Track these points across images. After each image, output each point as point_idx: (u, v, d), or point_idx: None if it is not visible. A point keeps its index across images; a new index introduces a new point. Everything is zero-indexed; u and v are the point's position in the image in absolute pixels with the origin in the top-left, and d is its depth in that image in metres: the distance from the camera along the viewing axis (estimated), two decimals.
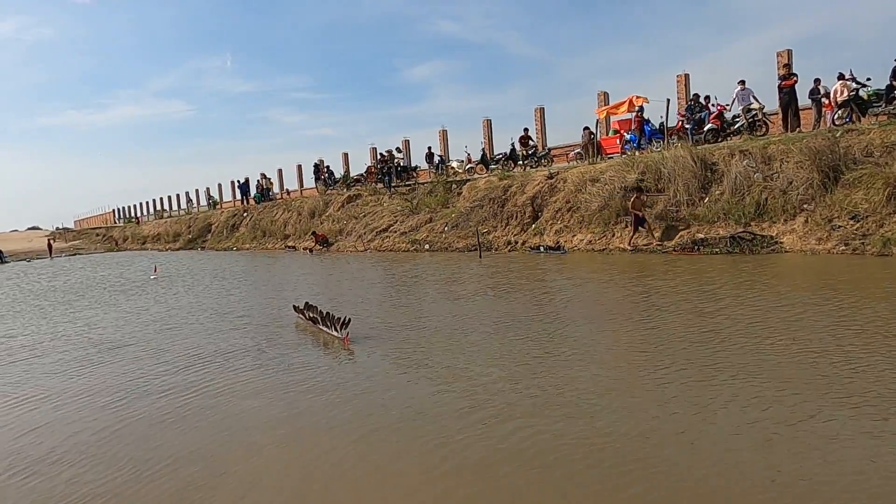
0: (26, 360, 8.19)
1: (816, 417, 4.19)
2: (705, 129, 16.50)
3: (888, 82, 13.25)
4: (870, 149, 11.83)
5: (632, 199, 13.99)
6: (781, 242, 11.83)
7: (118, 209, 66.65)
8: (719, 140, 16.05)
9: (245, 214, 34.38)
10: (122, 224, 58.76)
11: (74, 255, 42.36)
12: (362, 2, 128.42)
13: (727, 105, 16.15)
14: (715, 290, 8.76)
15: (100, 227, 61.88)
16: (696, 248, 12.75)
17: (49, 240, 46.08)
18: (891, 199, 10.89)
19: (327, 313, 8.31)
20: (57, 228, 70.27)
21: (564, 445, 4.08)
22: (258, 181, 35.99)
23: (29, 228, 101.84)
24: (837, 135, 12.48)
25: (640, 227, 13.97)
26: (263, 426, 4.97)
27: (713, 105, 16.62)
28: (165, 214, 51.76)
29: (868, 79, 13.65)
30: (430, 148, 26.93)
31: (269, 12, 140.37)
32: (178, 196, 52.29)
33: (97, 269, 25.20)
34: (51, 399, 6.24)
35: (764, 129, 15.25)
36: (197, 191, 48.61)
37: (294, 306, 9.67)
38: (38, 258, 40.14)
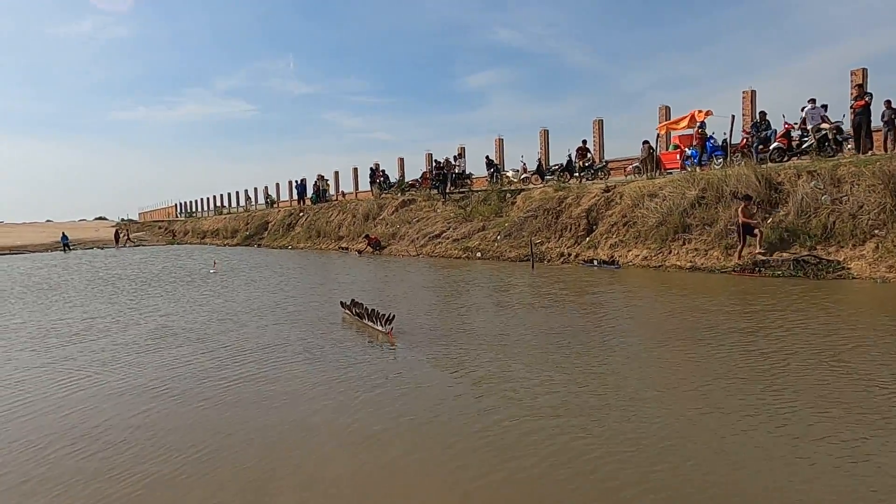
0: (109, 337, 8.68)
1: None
2: (771, 147, 16.08)
3: None
4: None
5: (740, 208, 12.89)
6: (849, 268, 11.42)
7: (180, 203, 69.14)
8: (786, 160, 15.61)
9: (301, 214, 35.18)
10: (183, 218, 60.91)
11: (138, 245, 44.22)
12: (423, 9, 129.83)
13: (795, 124, 15.70)
14: (775, 313, 8.54)
15: (162, 221, 64.34)
16: (757, 269, 12.43)
17: (117, 230, 48.22)
18: None
19: (372, 310, 8.80)
20: (122, 220, 73.35)
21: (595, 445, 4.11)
22: (315, 182, 36.77)
23: (96, 219, 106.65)
24: None
25: (749, 236, 12.83)
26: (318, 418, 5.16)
27: (782, 124, 16.18)
28: (224, 211, 53.39)
29: None
30: (487, 157, 27.05)
31: (332, 17, 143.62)
32: (237, 193, 53.94)
33: (160, 260, 26.29)
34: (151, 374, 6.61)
35: (835, 151, 14.74)
36: (256, 189, 50.07)
37: (341, 302, 10.32)
38: (105, 247, 42.27)
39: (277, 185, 46.37)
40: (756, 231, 12.75)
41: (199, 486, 4.09)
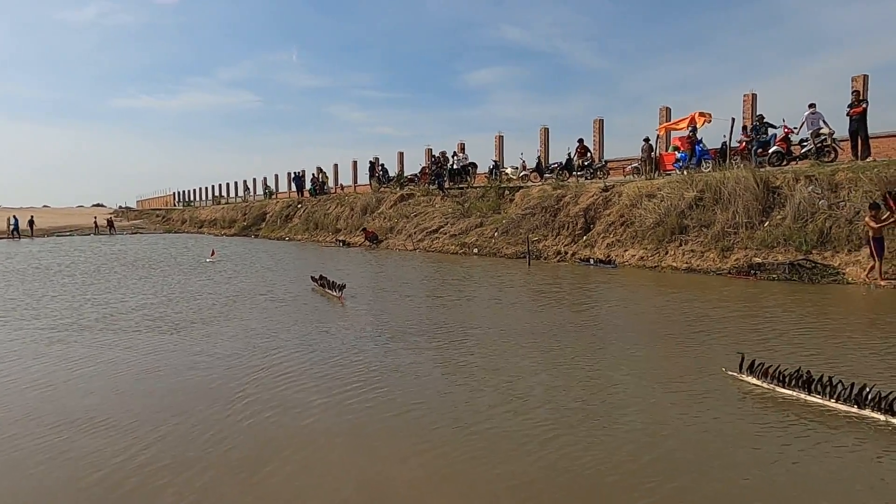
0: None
1: None
2: (770, 151, 16.10)
3: None
4: None
5: (868, 216, 10.86)
6: (844, 273, 11.45)
7: (178, 192, 69.05)
8: (784, 164, 15.63)
9: (299, 206, 35.15)
10: (181, 207, 60.84)
11: (135, 233, 44.13)
12: (431, 4, 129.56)
13: (795, 128, 15.71)
14: (767, 315, 8.57)
15: (160, 209, 64.27)
16: (752, 272, 12.45)
17: (106, 219, 47.95)
18: None
19: (332, 281, 11.80)
20: (120, 207, 73.28)
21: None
22: (314, 174, 36.74)
23: (94, 205, 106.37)
24: None
25: (882, 255, 10.78)
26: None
27: (780, 127, 16.19)
28: (222, 201, 53.32)
29: None
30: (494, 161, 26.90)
31: (341, 10, 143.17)
32: (235, 184, 53.87)
33: (156, 248, 26.28)
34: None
35: (833, 156, 14.76)
36: (254, 180, 50.06)
37: (311, 276, 13.24)
38: (86, 234, 42.11)
39: (276, 176, 46.37)
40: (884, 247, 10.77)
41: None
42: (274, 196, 44.09)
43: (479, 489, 3.77)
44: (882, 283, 10.65)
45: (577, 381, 5.88)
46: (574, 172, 22.18)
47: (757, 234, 13.29)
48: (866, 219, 10.92)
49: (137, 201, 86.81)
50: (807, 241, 12.38)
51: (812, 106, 15.16)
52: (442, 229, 22.49)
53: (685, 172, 16.95)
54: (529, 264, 16.19)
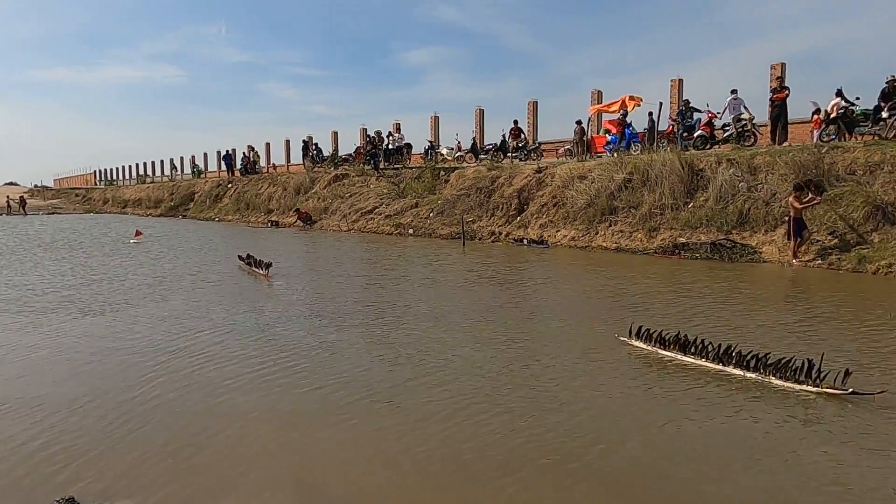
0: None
1: None
2: (695, 135, 16.65)
3: (876, 103, 13.44)
4: (853, 167, 12.01)
5: (792, 197, 11.28)
6: (761, 252, 12.01)
7: (100, 171, 65.67)
8: (708, 147, 16.20)
9: (229, 186, 34.03)
10: (102, 186, 57.89)
11: (52, 213, 41.73)
12: None
13: (718, 113, 16.29)
14: (684, 292, 8.90)
15: (80, 188, 60.88)
16: (676, 251, 12.89)
17: (19, 196, 45.04)
18: (869, 217, 11.09)
19: (258, 259, 11.69)
20: (35, 186, 69.07)
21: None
22: (244, 153, 35.66)
23: (6, 184, 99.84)
24: (823, 151, 12.67)
25: (799, 236, 11.28)
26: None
27: (704, 112, 16.75)
28: (148, 180, 51.08)
29: (857, 98, 13.85)
30: (430, 141, 26.81)
31: None
32: (161, 162, 51.68)
33: (77, 229, 24.90)
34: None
35: (752, 140, 15.42)
36: (182, 158, 48.09)
37: (238, 255, 13.13)
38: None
39: (206, 155, 44.73)
40: (806, 229, 11.30)
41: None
42: (203, 175, 42.52)
43: (383, 459, 3.86)
44: (795, 262, 11.22)
45: (497, 354, 6.02)
46: (508, 154, 22.36)
47: (682, 215, 13.75)
48: (790, 198, 11.30)
49: (55, 180, 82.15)
50: (727, 222, 12.90)
51: (734, 92, 15.74)
52: (377, 210, 22.25)
53: (615, 155, 17.33)
54: (464, 245, 16.23)
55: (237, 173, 35.31)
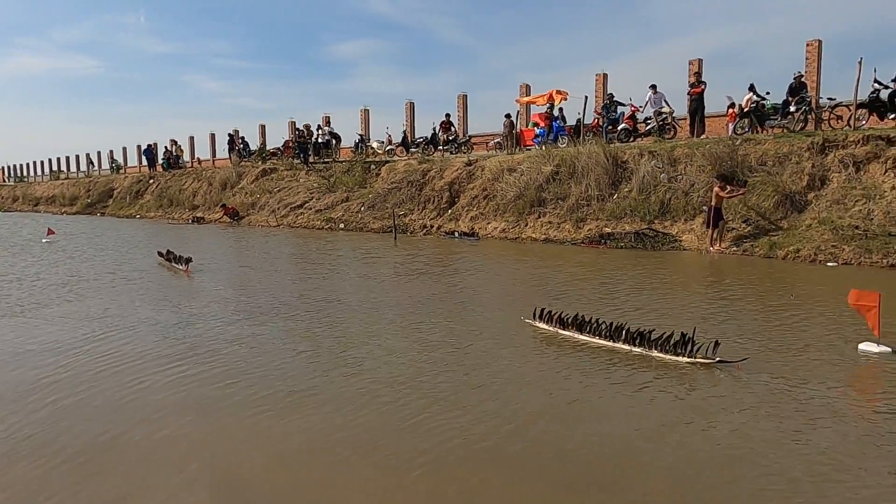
0: None
1: None
2: (619, 128, 17.10)
3: (784, 98, 14.20)
4: (764, 158, 12.63)
5: (716, 188, 11.64)
6: (681, 241, 12.46)
7: (8, 167, 61.51)
8: (631, 140, 16.68)
9: (151, 181, 32.57)
10: (11, 182, 54.36)
11: None
12: None
13: (641, 107, 16.79)
14: (607, 279, 9.13)
15: None
16: (602, 241, 13.21)
17: None
18: (779, 205, 11.71)
19: (178, 255, 11.40)
20: None
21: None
22: (167, 147, 34.22)
23: None
24: (737, 143, 13.26)
25: (717, 225, 11.68)
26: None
27: (628, 105, 17.24)
28: (62, 176, 48.25)
29: (767, 93, 14.57)
30: (360, 134, 26.49)
31: None
32: (77, 157, 48.94)
33: None
34: None
35: (672, 133, 15.98)
36: (99, 153, 45.67)
37: (158, 252, 12.60)
38: None
39: (125, 149, 42.60)
40: (722, 220, 11.76)
41: None
42: (122, 171, 40.54)
43: (300, 451, 3.83)
44: (713, 249, 11.70)
45: (417, 344, 6.05)
46: (439, 147, 22.36)
47: (607, 206, 14.10)
48: (715, 189, 11.64)
49: None
50: (650, 212, 13.33)
51: (653, 87, 16.27)
52: (307, 204, 21.81)
53: (544, 148, 17.59)
54: (396, 238, 16.12)
55: (159, 168, 33.79)
